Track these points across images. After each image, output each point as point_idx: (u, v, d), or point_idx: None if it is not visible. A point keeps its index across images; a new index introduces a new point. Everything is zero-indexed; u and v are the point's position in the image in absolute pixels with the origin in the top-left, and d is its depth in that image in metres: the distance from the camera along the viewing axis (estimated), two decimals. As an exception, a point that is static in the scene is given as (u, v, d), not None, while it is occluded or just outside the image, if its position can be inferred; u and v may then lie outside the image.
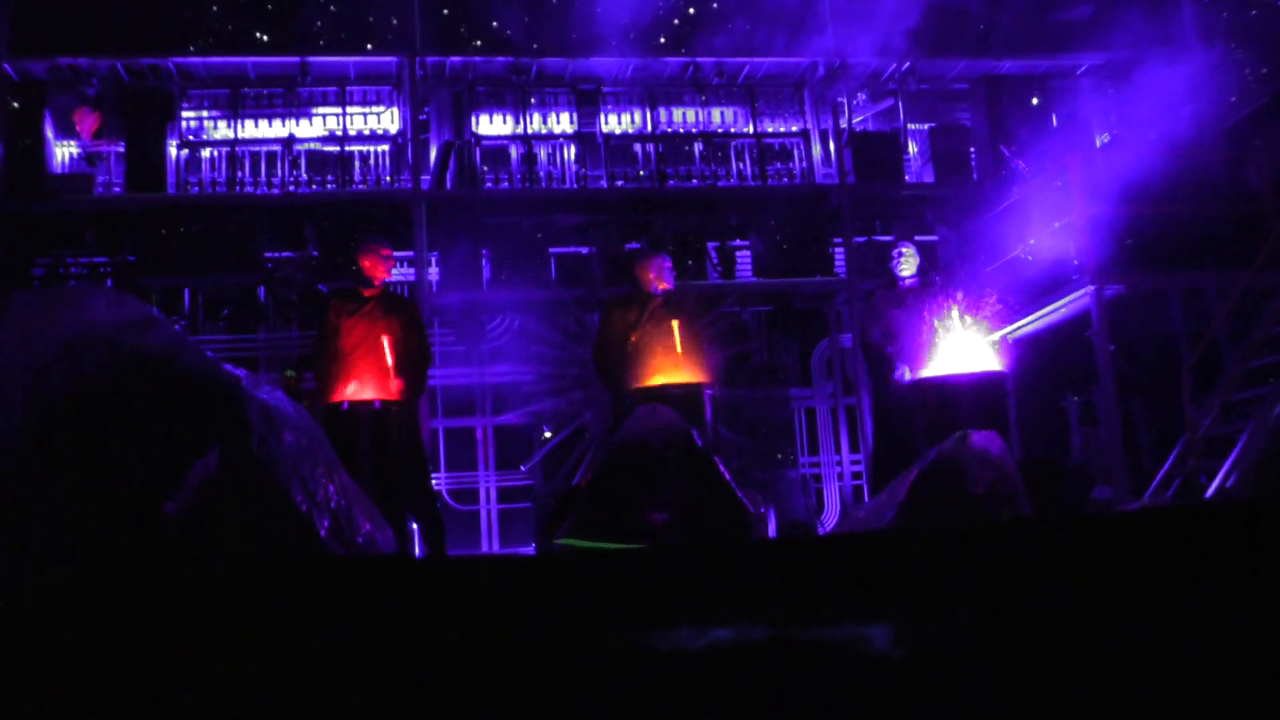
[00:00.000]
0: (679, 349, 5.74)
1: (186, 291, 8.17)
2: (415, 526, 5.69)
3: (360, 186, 8.44)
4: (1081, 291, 7.01)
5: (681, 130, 8.92)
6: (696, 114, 9.00)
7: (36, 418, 2.43)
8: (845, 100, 8.92)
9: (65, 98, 8.21)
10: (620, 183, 8.60)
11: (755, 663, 1.47)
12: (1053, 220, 7.27)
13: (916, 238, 6.62)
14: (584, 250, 8.55)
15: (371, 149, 8.56)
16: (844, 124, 8.83)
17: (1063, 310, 7.35)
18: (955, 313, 5.53)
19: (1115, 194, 6.87)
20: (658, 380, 5.60)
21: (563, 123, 8.80)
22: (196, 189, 8.28)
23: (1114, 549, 1.67)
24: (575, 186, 8.59)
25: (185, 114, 8.43)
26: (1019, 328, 7.45)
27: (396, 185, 8.46)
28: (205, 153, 8.40)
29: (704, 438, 4.81)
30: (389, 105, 8.73)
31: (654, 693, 1.46)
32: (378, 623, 1.65)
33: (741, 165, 8.83)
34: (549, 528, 5.07)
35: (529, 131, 8.68)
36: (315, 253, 8.14)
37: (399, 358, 5.53)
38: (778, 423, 8.39)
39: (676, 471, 4.23)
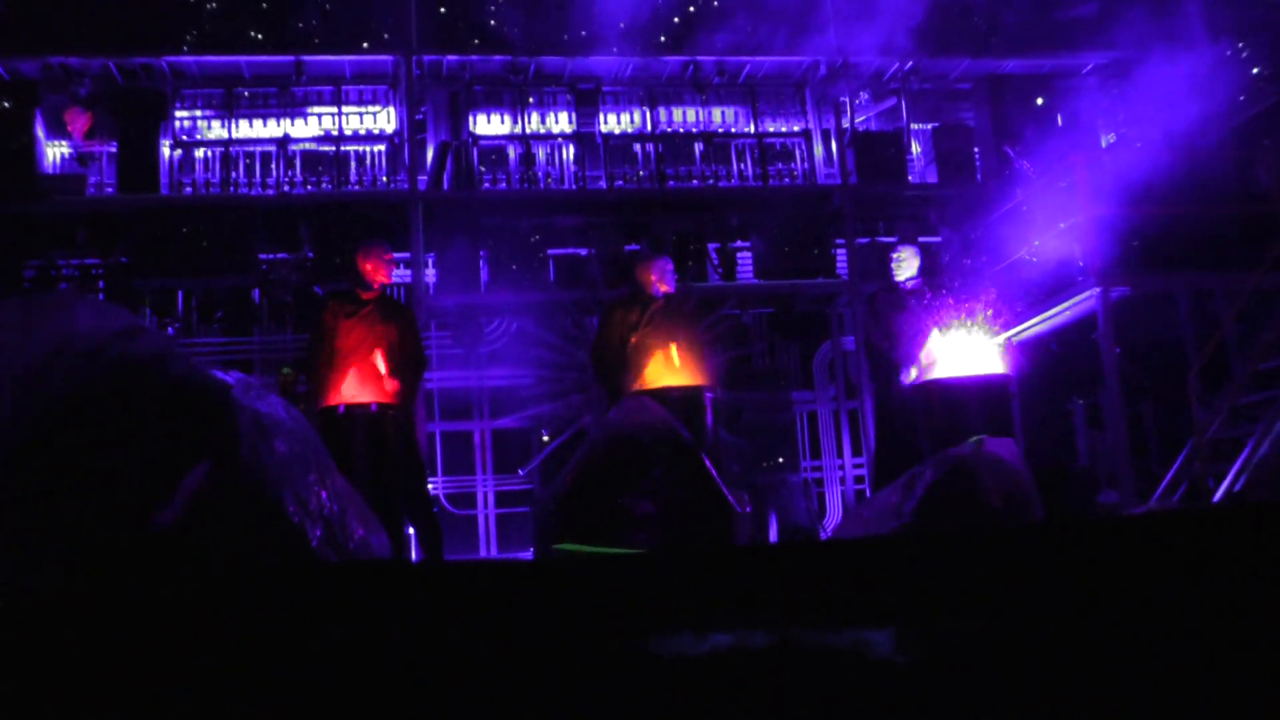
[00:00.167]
0: (679, 351, 5.69)
1: (180, 293, 8.11)
2: (412, 531, 5.63)
3: (356, 187, 8.36)
4: (1087, 293, 6.95)
5: (681, 130, 8.84)
6: (697, 114, 8.93)
7: (19, 430, 2.36)
8: (847, 100, 8.86)
9: (57, 97, 8.15)
10: (620, 183, 8.52)
11: (757, 668, 1.46)
12: (1058, 221, 7.23)
13: (920, 239, 6.59)
14: (583, 251, 8.48)
15: (367, 149, 8.48)
16: (846, 124, 8.76)
17: (1068, 312, 7.31)
18: (958, 315, 5.49)
19: (1121, 195, 6.84)
20: (658, 383, 5.55)
21: (561, 122, 8.72)
22: (190, 190, 8.20)
23: (1120, 553, 1.66)
24: (574, 187, 8.52)
25: (178, 114, 8.36)
26: (1024, 330, 7.41)
27: (393, 186, 8.38)
28: (199, 153, 8.32)
29: (705, 441, 4.74)
30: (385, 105, 8.64)
31: (654, 699, 1.45)
32: (371, 628, 1.62)
33: (742, 165, 8.76)
34: (548, 533, 5.01)
35: (527, 131, 8.61)
36: (310, 254, 8.06)
37: (395, 362, 5.49)
38: (779, 426, 8.35)
39: (663, 467, 4.16)
